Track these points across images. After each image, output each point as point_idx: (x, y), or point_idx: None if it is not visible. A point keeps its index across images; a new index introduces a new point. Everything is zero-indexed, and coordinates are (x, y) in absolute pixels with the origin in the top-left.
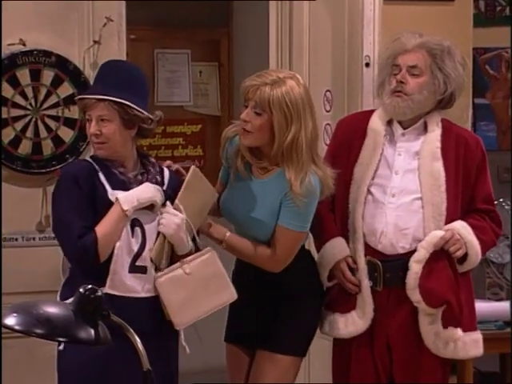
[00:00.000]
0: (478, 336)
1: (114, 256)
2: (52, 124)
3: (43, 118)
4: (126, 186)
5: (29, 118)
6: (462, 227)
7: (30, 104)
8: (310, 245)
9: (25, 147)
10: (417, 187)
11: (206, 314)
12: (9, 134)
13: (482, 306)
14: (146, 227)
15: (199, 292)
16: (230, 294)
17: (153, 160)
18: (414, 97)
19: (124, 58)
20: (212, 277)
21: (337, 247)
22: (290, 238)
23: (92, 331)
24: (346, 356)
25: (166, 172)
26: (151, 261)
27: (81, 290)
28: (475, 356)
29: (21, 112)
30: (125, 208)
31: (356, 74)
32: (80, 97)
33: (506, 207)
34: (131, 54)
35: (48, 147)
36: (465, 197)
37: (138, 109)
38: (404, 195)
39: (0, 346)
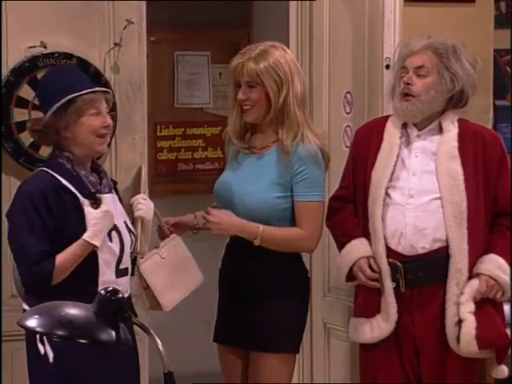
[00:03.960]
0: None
1: (99, 269)
2: None
3: None
4: (95, 191)
5: None
6: (495, 268)
7: None
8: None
9: (46, 149)
10: (435, 187)
11: (186, 294)
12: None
13: None
14: (120, 227)
15: (175, 274)
16: (199, 276)
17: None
18: (422, 97)
19: (144, 60)
20: (182, 260)
21: (360, 247)
22: (311, 211)
23: (113, 333)
24: (373, 361)
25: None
26: (137, 252)
27: (102, 291)
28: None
29: (42, 114)
30: (97, 244)
31: (376, 75)
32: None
33: None
34: (151, 56)
35: None
36: (487, 194)
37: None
38: (422, 196)
39: (0, 345)
